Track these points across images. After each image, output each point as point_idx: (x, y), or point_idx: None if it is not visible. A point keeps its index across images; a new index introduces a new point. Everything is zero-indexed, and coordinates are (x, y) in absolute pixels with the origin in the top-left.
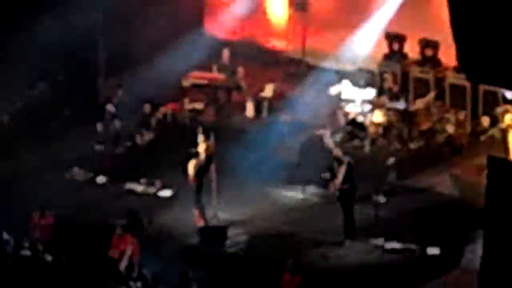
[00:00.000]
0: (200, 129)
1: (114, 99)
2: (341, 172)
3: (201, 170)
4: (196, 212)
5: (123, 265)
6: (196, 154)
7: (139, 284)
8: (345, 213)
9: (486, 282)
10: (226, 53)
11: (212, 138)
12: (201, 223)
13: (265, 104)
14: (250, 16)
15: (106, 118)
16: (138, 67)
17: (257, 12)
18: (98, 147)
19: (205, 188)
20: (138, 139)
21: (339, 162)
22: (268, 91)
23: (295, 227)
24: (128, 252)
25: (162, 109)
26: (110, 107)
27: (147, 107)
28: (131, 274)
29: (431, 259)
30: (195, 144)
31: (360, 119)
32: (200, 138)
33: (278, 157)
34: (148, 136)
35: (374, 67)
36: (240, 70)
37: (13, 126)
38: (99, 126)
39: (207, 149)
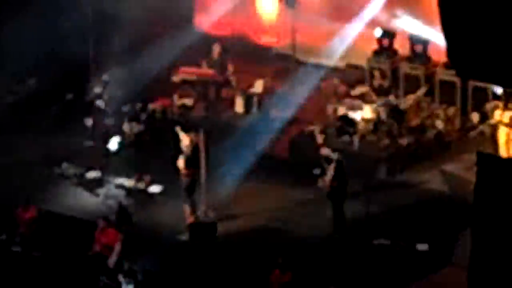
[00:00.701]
0: (177, 127)
1: (102, 94)
2: (331, 169)
3: (190, 161)
4: (186, 208)
5: (112, 260)
6: (181, 151)
7: (129, 280)
8: (335, 210)
9: (476, 278)
10: (216, 49)
11: (201, 132)
12: (191, 220)
13: (255, 99)
14: (240, 12)
15: (94, 113)
16: (128, 63)
17: (247, 8)
18: (87, 142)
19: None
20: (127, 131)
21: (328, 160)
22: (258, 86)
23: (285, 223)
24: (117, 248)
25: (152, 105)
26: (99, 103)
27: (139, 104)
28: (119, 269)
29: (421, 255)
30: (176, 142)
31: (349, 115)
32: (180, 134)
33: (268, 153)
34: (136, 128)
35: (363, 63)
36: (230, 66)
37: (2, 121)
38: (88, 122)
39: (191, 142)
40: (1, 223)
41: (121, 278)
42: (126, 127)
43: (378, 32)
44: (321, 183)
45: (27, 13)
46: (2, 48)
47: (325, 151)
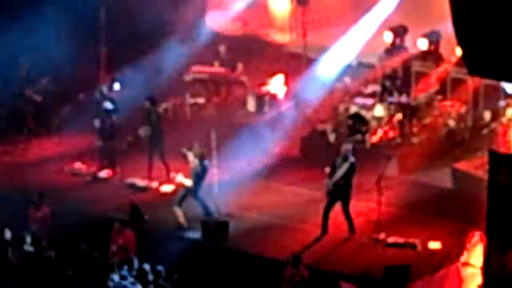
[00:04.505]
0: (183, 149)
1: (110, 93)
2: (343, 168)
3: (198, 176)
4: (177, 210)
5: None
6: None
7: (139, 279)
8: (344, 209)
9: (490, 275)
10: (222, 48)
11: (213, 133)
12: (182, 221)
13: (267, 98)
14: (252, 10)
15: (101, 112)
16: (140, 61)
17: (259, 6)
18: (97, 142)
19: (206, 183)
20: (141, 133)
21: (344, 158)
22: (270, 85)
23: (296, 221)
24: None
25: (164, 104)
26: (106, 103)
27: (146, 104)
28: (130, 268)
29: (433, 253)
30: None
31: (362, 113)
32: (187, 154)
33: (280, 151)
34: (148, 131)
35: (375, 61)
36: (240, 65)
37: (15, 120)
38: (96, 122)
39: (198, 158)
40: (13, 223)
41: (131, 277)
42: (140, 131)
43: (387, 37)
44: (327, 181)
45: (39, 11)
46: (14, 48)
47: (344, 147)
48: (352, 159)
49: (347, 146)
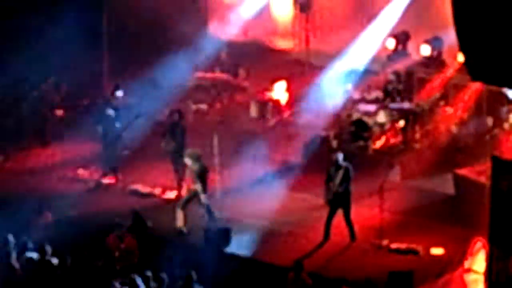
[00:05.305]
0: (186, 157)
1: (112, 100)
2: (338, 176)
3: (199, 181)
4: (180, 214)
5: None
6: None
7: (142, 285)
8: (345, 216)
9: (492, 281)
10: (223, 54)
11: (216, 139)
12: (181, 224)
13: (269, 104)
14: (255, 17)
15: (103, 119)
16: (143, 68)
17: (262, 13)
18: (101, 148)
19: (208, 189)
20: (164, 146)
21: (337, 167)
22: (272, 91)
23: (298, 227)
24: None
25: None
26: (109, 110)
27: (173, 116)
28: (133, 275)
29: (435, 259)
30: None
31: (364, 119)
32: (188, 161)
33: (281, 157)
34: (171, 144)
35: (378, 67)
36: (242, 71)
37: (18, 128)
38: (99, 128)
39: (200, 168)
40: (16, 229)
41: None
42: (164, 143)
43: (390, 43)
44: (325, 191)
45: (42, 17)
46: (17, 55)
47: (335, 156)
48: (345, 164)
49: (337, 155)
